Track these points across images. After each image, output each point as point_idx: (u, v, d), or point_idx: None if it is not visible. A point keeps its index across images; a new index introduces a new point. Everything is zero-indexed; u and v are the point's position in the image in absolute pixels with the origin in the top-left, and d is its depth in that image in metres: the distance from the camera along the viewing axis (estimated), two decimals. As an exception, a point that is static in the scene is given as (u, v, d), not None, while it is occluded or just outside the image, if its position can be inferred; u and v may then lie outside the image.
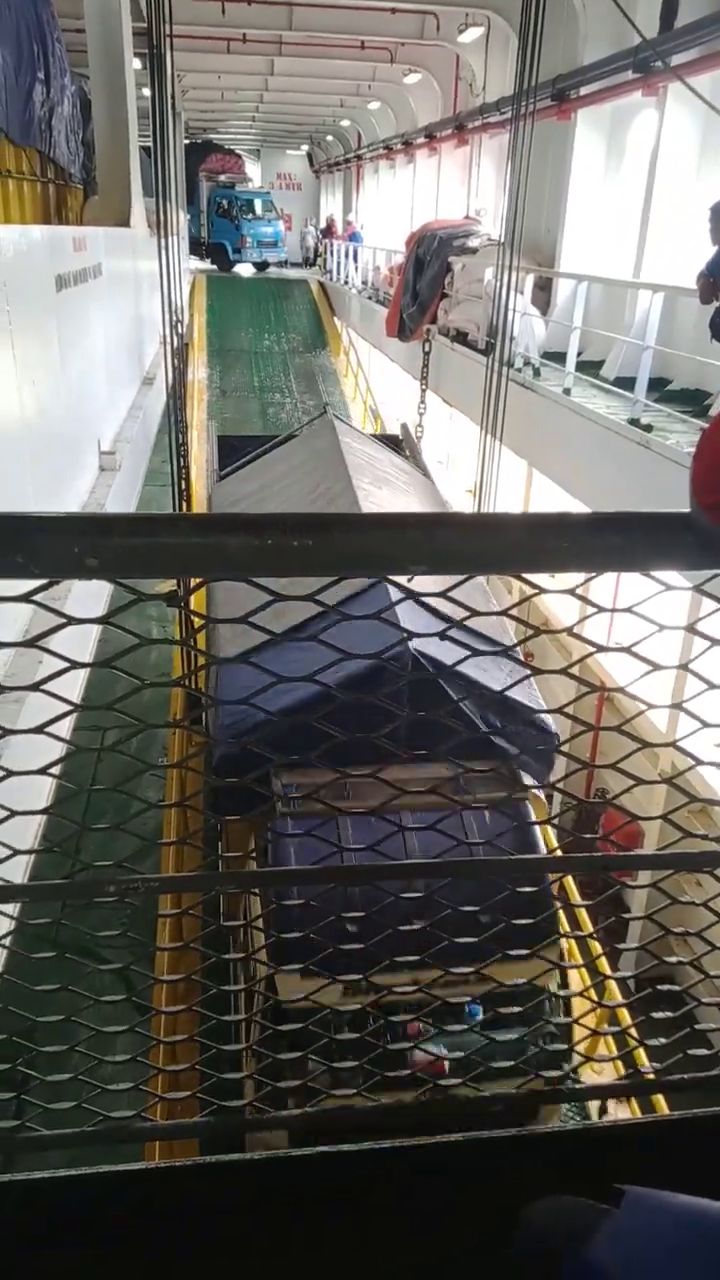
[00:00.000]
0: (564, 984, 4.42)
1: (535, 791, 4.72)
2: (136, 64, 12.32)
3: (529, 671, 3.38)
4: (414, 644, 4.51)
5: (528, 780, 4.32)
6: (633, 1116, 1.33)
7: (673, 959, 1.57)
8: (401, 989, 1.54)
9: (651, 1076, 1.54)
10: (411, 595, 1.16)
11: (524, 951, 1.57)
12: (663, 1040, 1.51)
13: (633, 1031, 1.58)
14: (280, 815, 3.90)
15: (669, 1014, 1.55)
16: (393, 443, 11.26)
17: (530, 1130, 1.40)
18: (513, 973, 1.62)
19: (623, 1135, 1.44)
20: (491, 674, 4.40)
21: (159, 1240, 1.34)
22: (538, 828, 4.04)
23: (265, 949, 2.12)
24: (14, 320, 4.15)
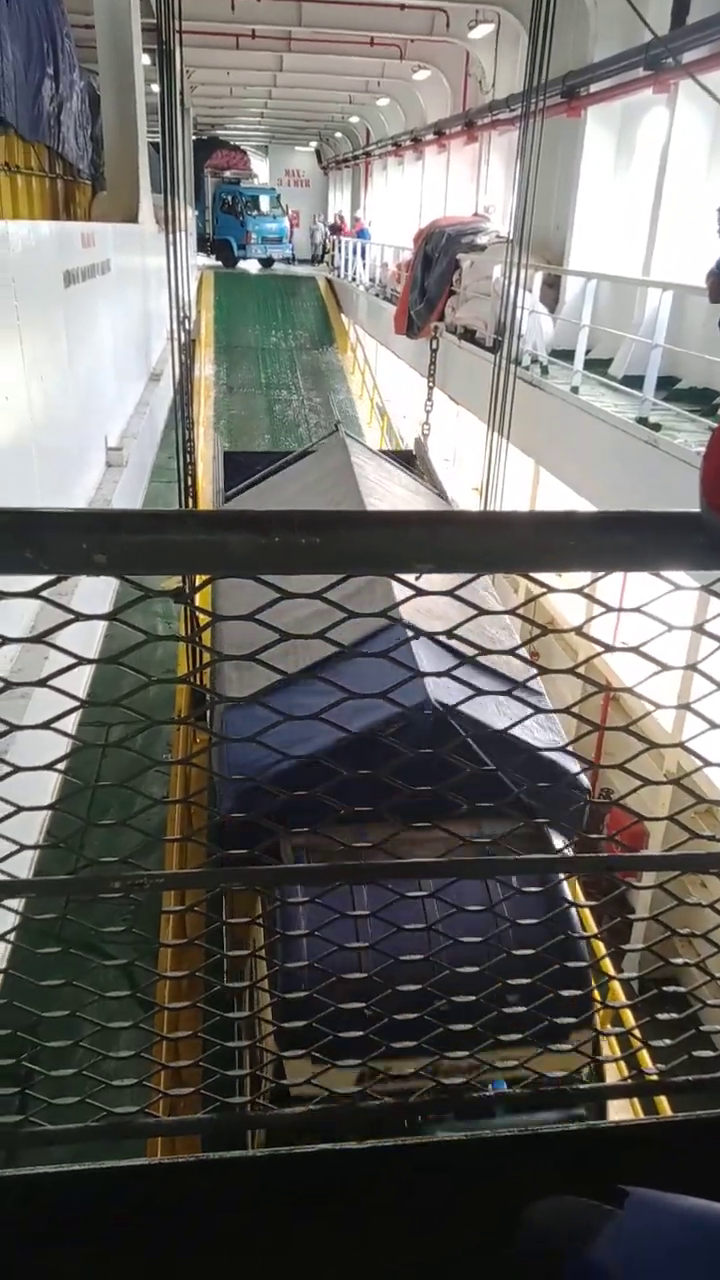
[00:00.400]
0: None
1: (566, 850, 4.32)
2: (146, 60, 12.31)
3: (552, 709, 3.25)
4: (434, 694, 4.23)
5: (557, 842, 3.92)
6: (636, 1118, 1.33)
7: (678, 960, 1.57)
8: (421, 1072, 1.49)
9: (655, 1078, 1.53)
10: (418, 592, 1.16)
11: (565, 1046, 1.52)
12: (667, 1041, 1.51)
13: (637, 1033, 1.57)
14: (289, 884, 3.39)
15: (673, 1015, 1.55)
16: (405, 458, 10.84)
17: (533, 1130, 1.40)
18: (548, 1064, 1.51)
19: (626, 1136, 1.44)
20: (513, 717, 3.96)
21: (161, 1237, 1.35)
22: (566, 887, 3.76)
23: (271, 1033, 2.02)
24: (22, 316, 4.15)
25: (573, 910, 3.47)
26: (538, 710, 1.32)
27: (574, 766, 4.41)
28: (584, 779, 4.81)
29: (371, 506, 7.18)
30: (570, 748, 5.48)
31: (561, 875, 1.81)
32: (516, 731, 1.65)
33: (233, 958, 1.38)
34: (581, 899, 5.88)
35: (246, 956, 1.41)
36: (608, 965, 1.76)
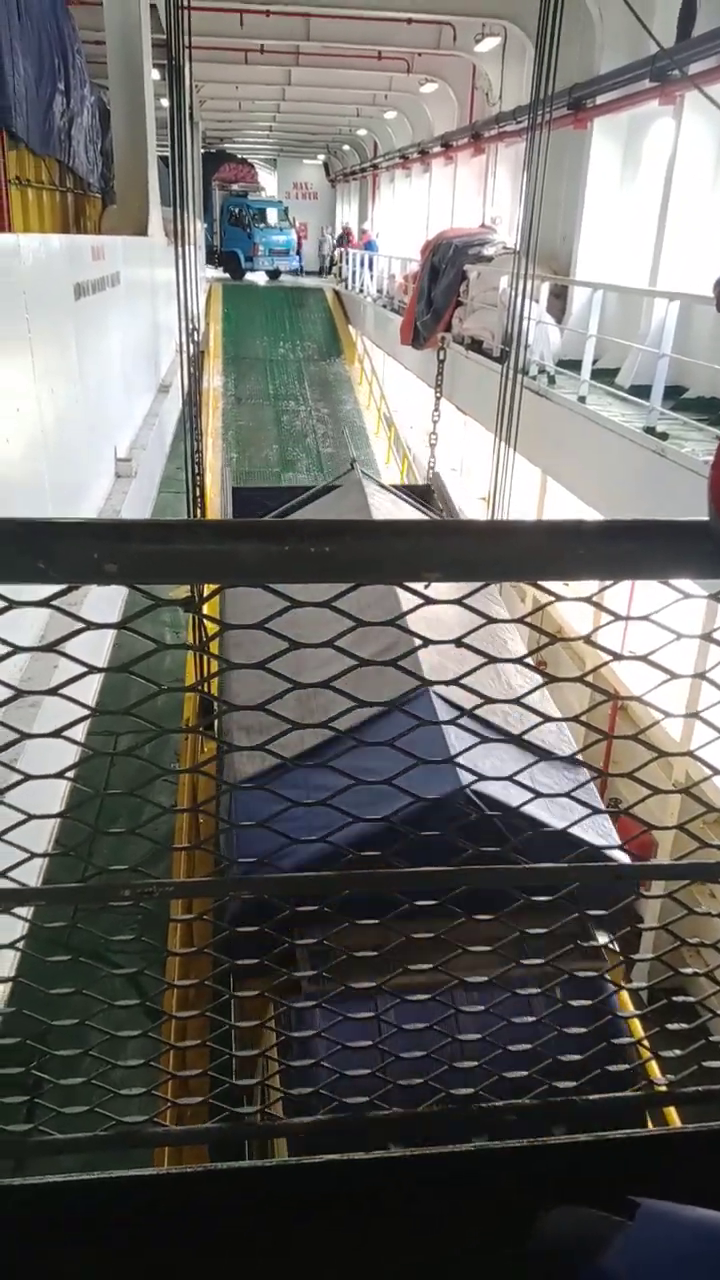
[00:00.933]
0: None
1: (611, 946, 3.57)
2: (155, 75, 12.44)
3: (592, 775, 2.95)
4: (466, 779, 3.68)
5: (601, 938, 3.49)
6: (646, 1129, 1.31)
7: (687, 970, 1.56)
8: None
9: (665, 1089, 1.52)
10: (427, 600, 1.16)
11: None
12: (677, 1052, 1.50)
13: (646, 1043, 1.57)
14: (305, 991, 2.83)
15: (683, 1026, 1.54)
16: (423, 494, 10.33)
17: (543, 1141, 1.39)
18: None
19: (636, 1147, 1.43)
20: (554, 786, 3.47)
21: (168, 1246, 1.34)
22: (616, 996, 3.15)
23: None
24: (33, 328, 4.19)
25: (614, 999, 3.01)
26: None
27: (621, 856, 4.09)
28: (623, 855, 3.96)
29: (406, 600, 6.88)
30: (567, 727, 5.06)
31: (610, 987, 1.68)
32: (555, 817, 1.55)
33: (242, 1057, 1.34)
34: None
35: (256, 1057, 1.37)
36: (617, 975, 1.74)
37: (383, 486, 9.11)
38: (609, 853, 3.85)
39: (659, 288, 10.17)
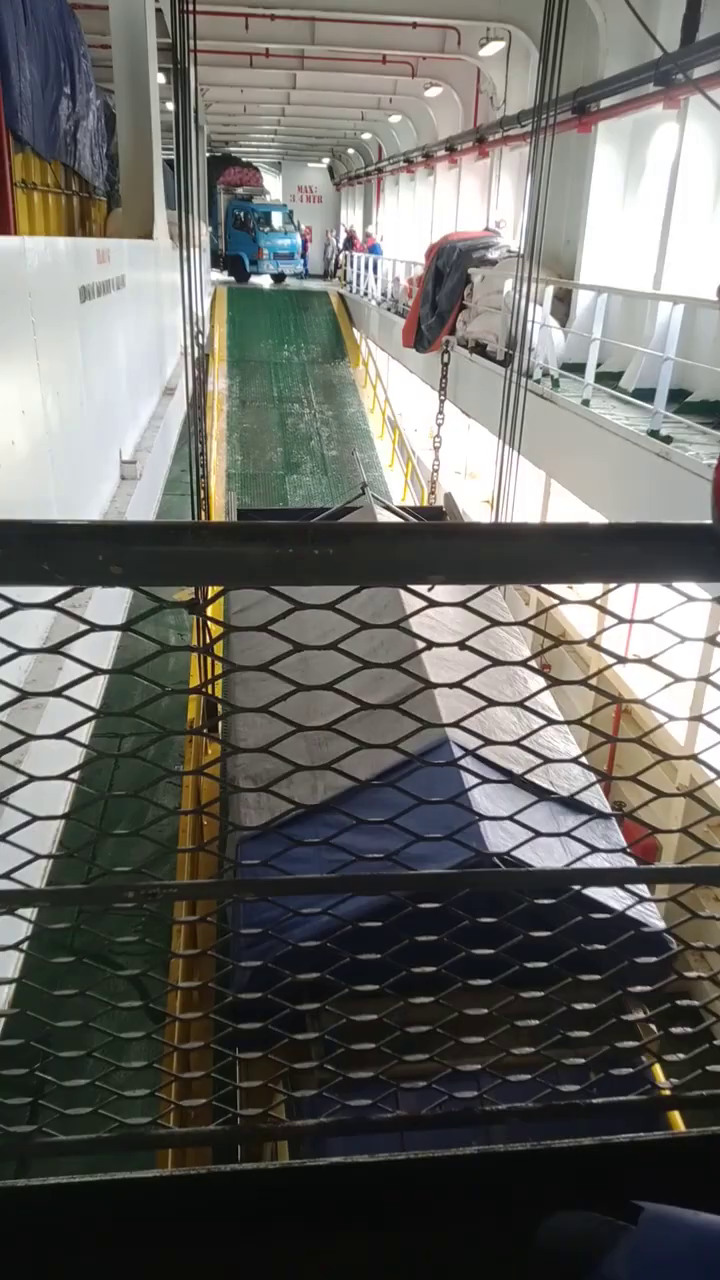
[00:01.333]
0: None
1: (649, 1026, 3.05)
2: (161, 79, 12.47)
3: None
4: (494, 843, 3.40)
5: (636, 1013, 3.23)
6: (650, 1132, 1.30)
7: (691, 974, 1.56)
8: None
9: (669, 1093, 1.52)
10: (431, 603, 1.16)
11: (579, 1060, 1.47)
12: (680, 1056, 1.49)
13: (650, 1047, 1.56)
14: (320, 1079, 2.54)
15: (687, 1030, 1.54)
16: (435, 516, 10.08)
17: (545, 1144, 1.39)
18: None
19: (639, 1151, 1.43)
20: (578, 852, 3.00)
21: (171, 1248, 1.34)
22: (648, 1073, 2.82)
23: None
24: (39, 331, 4.20)
25: (649, 1074, 2.81)
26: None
27: (658, 923, 3.62)
28: (669, 938, 3.49)
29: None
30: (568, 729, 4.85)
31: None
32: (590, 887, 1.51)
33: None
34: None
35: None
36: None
37: (394, 510, 8.99)
38: (647, 919, 3.56)
39: (663, 291, 10.18)
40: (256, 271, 34.40)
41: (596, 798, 4.78)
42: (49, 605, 1.07)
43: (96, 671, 1.14)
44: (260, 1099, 1.43)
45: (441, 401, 14.83)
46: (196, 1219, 1.34)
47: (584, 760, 1.55)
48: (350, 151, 35.82)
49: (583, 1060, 1.47)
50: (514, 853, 1.48)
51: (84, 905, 1.34)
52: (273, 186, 42.29)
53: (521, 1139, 1.40)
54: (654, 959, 1.45)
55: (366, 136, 30.49)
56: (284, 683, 1.16)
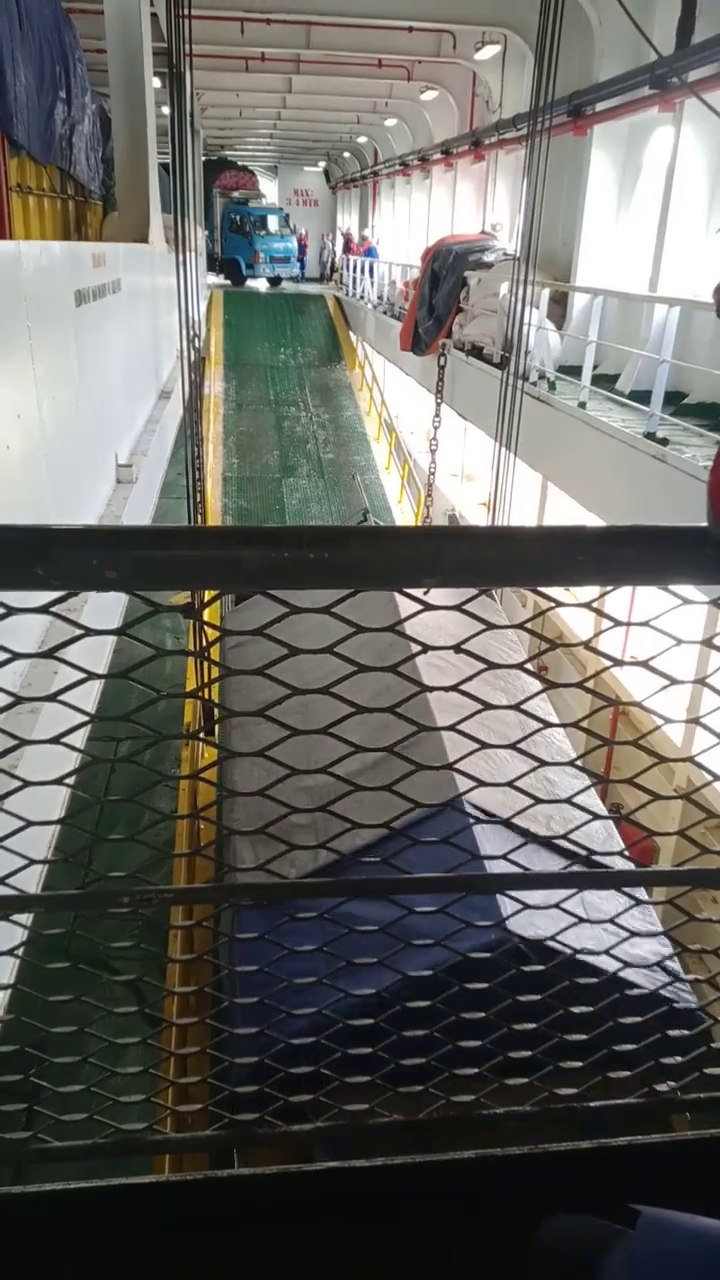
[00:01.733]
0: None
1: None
2: (156, 83, 12.48)
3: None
4: (515, 924, 2.99)
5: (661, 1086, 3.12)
6: (647, 1136, 1.29)
7: (689, 977, 1.56)
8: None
9: (667, 1096, 1.52)
10: (427, 606, 1.16)
11: (575, 1064, 1.46)
12: (679, 1059, 1.49)
13: (649, 1050, 1.56)
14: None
15: (685, 1033, 1.53)
16: None
17: (544, 1148, 1.39)
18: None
19: (637, 1155, 1.42)
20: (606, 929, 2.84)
21: (168, 1253, 1.34)
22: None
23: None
24: (34, 335, 4.20)
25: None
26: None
27: (691, 998, 3.23)
28: (690, 997, 3.14)
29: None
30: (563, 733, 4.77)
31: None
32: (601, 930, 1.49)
33: None
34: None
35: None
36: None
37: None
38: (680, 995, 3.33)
39: (659, 293, 10.20)
40: (253, 275, 34.43)
41: (595, 804, 4.75)
42: (44, 610, 1.06)
43: (92, 676, 1.13)
44: (257, 1103, 1.43)
45: (438, 404, 14.85)
46: (194, 1224, 1.34)
47: (579, 764, 1.56)
48: (346, 155, 35.87)
49: (581, 1064, 1.47)
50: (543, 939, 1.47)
51: (80, 910, 1.34)
52: (269, 190, 42.31)
53: (519, 1142, 1.40)
54: (688, 1032, 1.46)
55: (362, 140, 30.54)
56: (281, 688, 1.16)
